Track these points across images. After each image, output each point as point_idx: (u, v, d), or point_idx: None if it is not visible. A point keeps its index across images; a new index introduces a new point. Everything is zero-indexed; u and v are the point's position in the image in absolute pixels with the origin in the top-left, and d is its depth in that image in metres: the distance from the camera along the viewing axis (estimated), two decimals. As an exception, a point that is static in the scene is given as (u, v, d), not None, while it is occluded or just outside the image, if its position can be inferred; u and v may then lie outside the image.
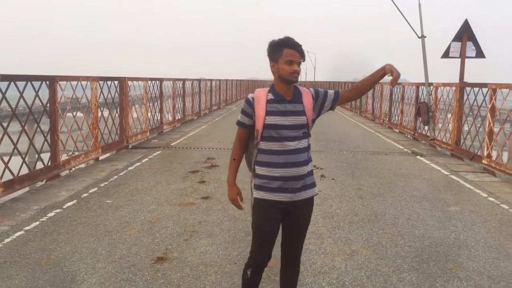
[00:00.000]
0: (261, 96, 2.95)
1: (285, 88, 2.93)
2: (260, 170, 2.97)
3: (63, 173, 8.18)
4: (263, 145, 2.93)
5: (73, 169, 8.59)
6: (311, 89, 3.09)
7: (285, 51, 2.86)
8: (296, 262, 3.17)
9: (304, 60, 2.92)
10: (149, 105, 13.45)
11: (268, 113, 2.90)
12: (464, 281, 4.14)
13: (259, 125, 2.92)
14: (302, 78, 51.96)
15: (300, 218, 3.06)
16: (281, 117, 2.89)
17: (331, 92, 3.11)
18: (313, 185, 3.05)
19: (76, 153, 8.88)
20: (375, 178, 8.28)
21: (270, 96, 2.94)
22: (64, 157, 8.29)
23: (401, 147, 12.38)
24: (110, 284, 3.98)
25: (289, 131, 2.89)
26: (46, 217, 5.76)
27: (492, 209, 6.46)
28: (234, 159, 3.12)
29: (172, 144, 12.15)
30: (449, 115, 12.10)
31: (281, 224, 3.05)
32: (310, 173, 3.01)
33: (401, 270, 4.35)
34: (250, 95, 3.02)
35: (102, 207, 6.23)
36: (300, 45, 2.89)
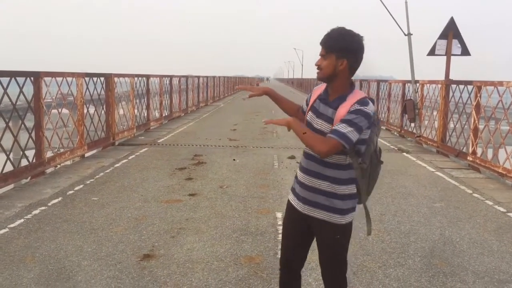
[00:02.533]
0: (316, 91, 2.70)
1: (329, 86, 2.58)
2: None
3: (48, 170, 8.09)
4: None
5: (59, 166, 8.51)
6: (358, 103, 2.45)
7: None
8: None
9: (333, 51, 2.47)
10: (136, 102, 13.36)
11: (311, 108, 2.64)
12: (449, 277, 4.18)
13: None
14: (290, 75, 51.80)
15: (318, 238, 2.70)
16: (314, 116, 2.58)
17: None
18: (329, 209, 2.56)
19: (62, 150, 8.79)
20: (361, 174, 8.31)
21: (322, 92, 2.65)
22: (49, 154, 8.20)
23: (388, 144, 12.46)
24: (96, 282, 3.95)
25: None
26: (30, 215, 5.69)
27: (476, 205, 6.53)
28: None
29: (159, 141, 12.09)
30: (434, 112, 12.21)
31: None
32: (328, 194, 2.55)
33: (387, 266, 4.38)
34: (316, 86, 2.77)
35: (88, 204, 6.18)
36: (327, 36, 2.50)
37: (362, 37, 2.50)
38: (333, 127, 2.43)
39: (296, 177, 2.76)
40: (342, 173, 2.55)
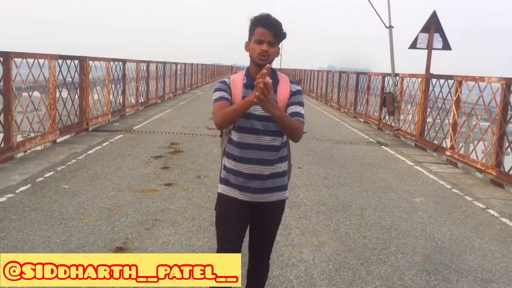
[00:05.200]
0: (237, 81, 2.68)
1: (258, 71, 2.50)
2: (227, 163, 2.74)
3: (17, 156, 7.75)
4: (235, 135, 2.66)
5: (29, 151, 8.16)
6: (294, 84, 2.72)
7: (257, 30, 2.57)
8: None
9: (278, 41, 2.60)
10: (111, 87, 12.98)
11: (243, 99, 2.58)
12: (432, 275, 4.09)
13: None
14: (277, 64, 51.27)
15: (264, 220, 2.83)
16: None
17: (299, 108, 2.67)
18: (277, 188, 2.73)
19: (32, 135, 8.44)
20: (341, 167, 8.22)
21: (245, 80, 2.67)
22: (19, 138, 7.85)
23: (366, 137, 12.42)
24: (64, 276, 3.72)
25: (258, 122, 2.60)
26: (-4, 203, 5.40)
27: (456, 201, 6.50)
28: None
29: (134, 127, 11.77)
30: (414, 107, 12.19)
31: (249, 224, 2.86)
32: (276, 175, 2.71)
33: (369, 262, 4.27)
34: (225, 78, 2.74)
35: (58, 192, 5.90)
36: (276, 24, 2.58)
37: None
38: (294, 110, 2.61)
39: (230, 171, 2.73)
40: (283, 152, 2.77)
